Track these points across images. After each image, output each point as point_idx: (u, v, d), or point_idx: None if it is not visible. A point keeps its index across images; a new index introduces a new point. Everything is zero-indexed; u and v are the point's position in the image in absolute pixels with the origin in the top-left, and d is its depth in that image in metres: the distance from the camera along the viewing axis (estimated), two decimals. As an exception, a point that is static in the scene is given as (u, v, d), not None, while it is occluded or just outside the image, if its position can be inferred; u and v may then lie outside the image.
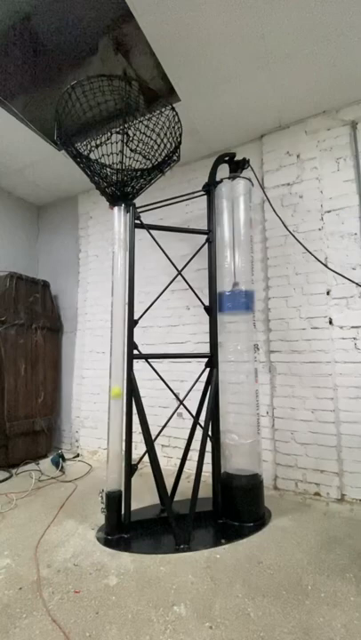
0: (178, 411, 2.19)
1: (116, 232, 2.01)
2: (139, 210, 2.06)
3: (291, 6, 1.75)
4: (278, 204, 2.58)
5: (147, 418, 1.88)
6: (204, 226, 2.22)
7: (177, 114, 1.94)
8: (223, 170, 2.24)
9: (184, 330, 2.93)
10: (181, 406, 2.06)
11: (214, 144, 2.85)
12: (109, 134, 1.87)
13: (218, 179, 2.22)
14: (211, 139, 2.79)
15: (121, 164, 1.88)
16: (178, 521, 1.78)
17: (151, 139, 1.95)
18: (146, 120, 1.95)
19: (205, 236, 2.18)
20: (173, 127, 1.96)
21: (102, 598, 1.35)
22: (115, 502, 1.83)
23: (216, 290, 2.12)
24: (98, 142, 1.88)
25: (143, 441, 1.86)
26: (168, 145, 1.98)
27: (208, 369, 2.07)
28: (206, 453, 1.91)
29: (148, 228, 2.08)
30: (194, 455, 1.97)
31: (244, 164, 2.21)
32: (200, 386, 2.09)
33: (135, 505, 1.93)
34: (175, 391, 2.18)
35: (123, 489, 1.85)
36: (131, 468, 1.86)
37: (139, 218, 2.04)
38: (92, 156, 1.90)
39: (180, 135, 1.99)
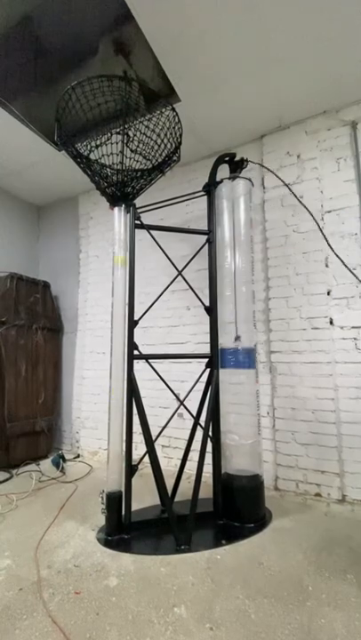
0: (178, 411, 2.19)
1: (117, 232, 2.01)
2: (139, 210, 2.06)
3: (291, 7, 1.75)
4: (279, 205, 2.58)
5: (147, 418, 1.87)
6: (204, 226, 2.22)
7: (177, 114, 1.94)
8: (224, 170, 2.24)
9: (184, 330, 2.92)
10: (182, 407, 2.05)
11: (214, 144, 2.85)
12: (110, 135, 1.87)
13: (218, 179, 2.22)
14: (211, 139, 2.79)
15: (121, 164, 1.88)
16: (178, 522, 1.78)
17: (151, 139, 1.95)
18: (146, 120, 1.95)
19: (206, 237, 2.18)
20: (174, 127, 1.96)
21: (103, 599, 1.35)
22: (115, 503, 1.83)
23: (216, 290, 2.12)
24: (98, 143, 1.88)
25: (143, 441, 1.86)
26: (168, 145, 1.98)
27: (208, 369, 2.07)
28: (207, 454, 1.91)
29: (149, 228, 2.08)
30: (194, 456, 1.97)
31: (242, 163, 2.21)
32: (200, 386, 2.09)
33: (136, 506, 1.93)
34: (176, 391, 2.18)
35: (123, 489, 1.85)
36: (131, 469, 1.85)
37: (139, 218, 2.04)
38: (93, 157, 1.91)
39: (181, 135, 1.99)
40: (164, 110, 1.97)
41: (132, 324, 1.95)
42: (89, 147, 1.90)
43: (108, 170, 1.92)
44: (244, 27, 1.85)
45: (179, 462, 2.12)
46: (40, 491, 2.43)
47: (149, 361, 2.08)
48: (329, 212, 2.40)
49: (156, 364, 2.45)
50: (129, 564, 1.58)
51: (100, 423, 3.26)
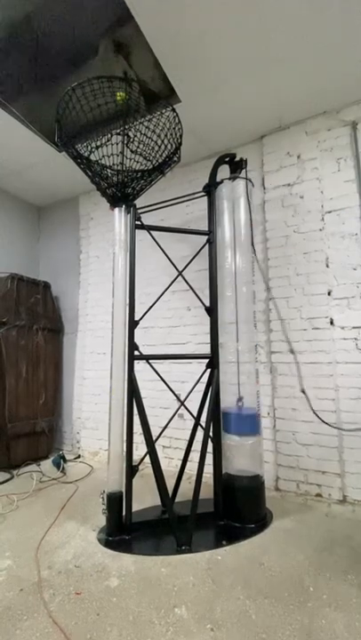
0: (179, 412, 2.19)
1: (117, 233, 2.02)
2: (139, 211, 2.06)
3: (291, 7, 1.75)
4: (279, 205, 2.58)
5: (148, 419, 1.87)
6: (204, 226, 2.22)
7: (177, 115, 1.95)
8: (224, 171, 2.24)
9: (185, 330, 2.92)
10: (182, 407, 2.05)
11: (215, 145, 2.85)
12: (110, 135, 1.87)
13: (218, 179, 2.23)
14: (211, 139, 2.79)
15: (121, 165, 1.88)
16: (179, 522, 1.78)
17: (152, 140, 1.95)
18: (146, 121, 1.96)
19: (206, 237, 2.18)
20: (174, 128, 1.96)
21: (103, 600, 1.35)
22: (116, 503, 1.83)
23: (217, 291, 2.12)
24: (98, 143, 1.88)
25: (144, 442, 1.86)
26: (168, 146, 1.98)
27: (209, 370, 2.07)
28: (207, 454, 1.91)
29: (149, 228, 2.08)
30: (195, 456, 1.97)
31: (242, 164, 2.21)
32: (201, 387, 2.09)
33: (136, 506, 1.93)
34: (176, 392, 2.18)
35: (124, 490, 1.85)
36: (132, 469, 1.85)
37: (139, 219, 2.05)
38: (93, 158, 1.91)
39: (181, 136, 1.99)
40: (164, 111, 1.98)
41: (133, 324, 1.95)
42: (89, 147, 1.90)
43: (108, 171, 1.92)
44: (244, 27, 1.86)
45: (179, 463, 2.12)
46: (41, 491, 2.43)
47: (150, 361, 2.08)
48: (329, 212, 2.40)
49: (157, 364, 2.45)
50: (130, 564, 1.58)
51: (101, 423, 3.26)
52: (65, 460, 2.93)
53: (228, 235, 2.16)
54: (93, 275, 3.56)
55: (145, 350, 2.06)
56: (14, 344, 3.06)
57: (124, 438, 1.89)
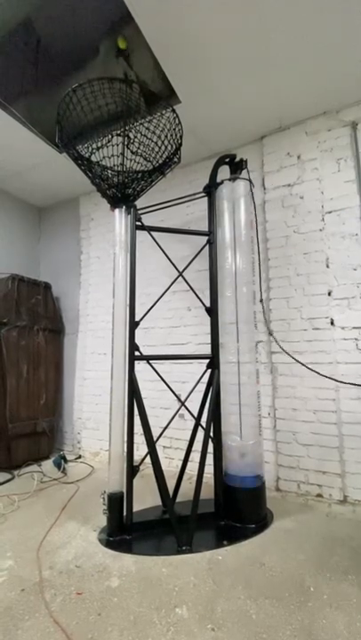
0: (179, 412, 2.19)
1: (118, 234, 2.02)
2: (140, 211, 2.06)
3: (291, 7, 1.75)
4: (279, 205, 2.58)
5: (148, 419, 1.88)
6: (204, 227, 2.22)
7: (177, 116, 1.95)
8: (224, 171, 2.25)
9: (185, 331, 2.93)
10: (183, 407, 2.06)
11: (215, 145, 2.85)
12: (110, 137, 1.88)
13: (219, 180, 2.23)
14: (211, 140, 2.79)
15: (122, 166, 1.88)
16: (180, 522, 1.78)
17: (152, 141, 1.95)
18: (147, 122, 1.96)
19: (206, 238, 2.18)
20: (174, 129, 1.96)
21: (104, 600, 1.35)
22: (117, 504, 1.83)
23: (217, 291, 2.12)
24: (99, 145, 1.89)
25: (145, 442, 1.86)
26: (169, 147, 1.98)
27: (209, 370, 2.08)
28: (208, 455, 1.91)
29: (149, 229, 2.09)
30: (195, 456, 1.97)
31: (242, 164, 2.21)
32: (202, 387, 2.09)
33: (137, 506, 1.93)
34: (177, 392, 2.18)
35: (125, 490, 1.85)
36: (132, 470, 1.86)
37: (140, 219, 2.05)
38: (94, 159, 1.91)
39: (181, 137, 1.99)
40: (164, 112, 1.98)
41: (133, 324, 1.95)
42: (90, 149, 1.91)
43: (108, 172, 1.92)
44: (244, 27, 1.86)
45: (180, 463, 2.13)
46: (42, 491, 2.43)
47: (150, 362, 2.08)
48: (330, 212, 2.40)
49: (158, 364, 2.45)
50: (130, 564, 1.59)
51: (102, 424, 3.26)
52: (66, 461, 2.93)
53: (228, 235, 2.16)
54: (94, 275, 3.56)
55: (145, 351, 2.06)
56: (15, 344, 3.06)
57: (125, 438, 1.89)
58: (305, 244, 2.46)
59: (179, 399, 2.15)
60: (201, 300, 2.15)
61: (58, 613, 1.28)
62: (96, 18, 1.86)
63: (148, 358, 2.03)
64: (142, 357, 1.97)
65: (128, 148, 1.88)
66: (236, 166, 2.24)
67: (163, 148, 1.97)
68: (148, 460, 1.88)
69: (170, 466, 2.79)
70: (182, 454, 2.12)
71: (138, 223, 2.04)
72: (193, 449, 2.07)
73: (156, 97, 2.14)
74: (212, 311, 2.11)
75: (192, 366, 2.81)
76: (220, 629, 1.20)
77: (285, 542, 1.74)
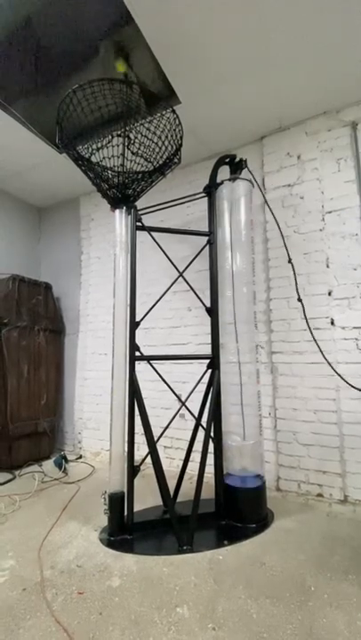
0: (180, 412, 2.19)
1: (118, 234, 2.02)
2: (140, 212, 2.07)
3: (291, 7, 1.75)
4: (279, 205, 2.58)
5: (149, 419, 1.88)
6: (205, 227, 2.22)
7: (177, 116, 1.95)
8: (224, 171, 2.25)
9: (186, 331, 2.93)
10: (184, 407, 2.06)
11: (215, 146, 2.85)
12: (110, 137, 1.88)
13: (219, 180, 2.23)
14: (211, 140, 2.79)
15: (122, 166, 1.88)
16: (180, 522, 1.79)
17: (152, 141, 1.95)
18: (147, 123, 1.96)
19: (207, 238, 2.18)
20: (174, 129, 1.97)
21: (106, 599, 1.36)
22: (117, 503, 1.84)
23: (217, 291, 2.12)
24: (99, 145, 1.89)
25: (145, 442, 1.87)
26: (169, 147, 1.98)
27: (210, 370, 2.08)
28: (208, 454, 1.91)
29: (150, 229, 2.09)
30: (196, 456, 1.97)
31: (242, 164, 2.22)
32: (202, 387, 2.09)
33: (138, 506, 1.93)
34: (177, 392, 2.18)
35: (125, 490, 1.86)
36: (133, 470, 1.86)
37: (140, 220, 2.05)
38: (94, 159, 1.91)
39: (181, 137, 1.99)
40: (164, 112, 1.98)
41: (134, 325, 1.96)
42: (90, 149, 1.91)
43: (109, 172, 1.93)
44: (244, 27, 1.86)
45: (181, 463, 2.13)
46: (43, 491, 2.44)
47: (151, 362, 2.08)
48: (330, 212, 2.41)
49: (158, 364, 2.46)
50: (131, 564, 1.59)
51: (103, 424, 3.27)
52: (67, 461, 2.94)
53: (228, 235, 2.16)
54: (94, 275, 3.56)
55: (146, 351, 2.07)
56: (16, 345, 3.07)
57: (126, 439, 1.89)
58: (305, 244, 2.46)
59: (179, 399, 2.15)
60: (201, 301, 2.16)
61: (59, 613, 1.28)
62: (96, 18, 1.86)
63: (148, 358, 2.04)
64: (143, 357, 1.97)
65: (128, 149, 1.89)
66: (236, 166, 2.24)
67: (163, 148, 1.97)
68: (148, 459, 1.89)
69: (171, 466, 2.79)
70: (183, 454, 2.13)
71: (138, 224, 2.04)
72: (193, 449, 2.08)
73: (157, 97, 2.14)
74: (213, 311, 2.11)
75: (193, 366, 2.82)
76: (220, 629, 1.21)
77: (286, 542, 1.74)
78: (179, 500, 2.06)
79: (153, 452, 1.86)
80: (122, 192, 1.99)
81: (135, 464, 1.87)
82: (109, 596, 1.38)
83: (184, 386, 2.73)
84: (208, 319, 2.14)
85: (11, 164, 3.14)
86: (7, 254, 3.63)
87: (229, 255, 2.14)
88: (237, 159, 2.24)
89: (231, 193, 2.20)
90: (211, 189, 2.22)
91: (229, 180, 2.22)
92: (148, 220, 2.09)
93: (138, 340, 1.97)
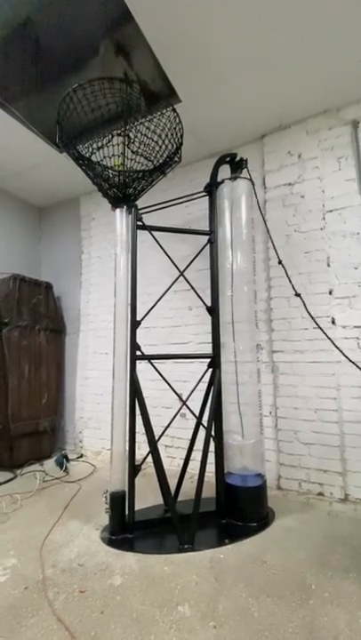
0: (181, 411, 2.19)
1: (119, 233, 2.02)
2: (140, 211, 2.07)
3: (291, 7, 1.75)
4: (280, 204, 2.58)
5: (150, 418, 1.88)
6: (205, 226, 2.22)
7: (178, 115, 1.95)
8: (225, 170, 2.25)
9: (187, 330, 2.93)
10: (184, 407, 2.06)
11: (215, 144, 2.85)
12: (111, 136, 1.88)
13: (219, 179, 2.23)
14: (212, 139, 2.79)
15: (122, 165, 1.88)
16: (181, 521, 1.79)
17: (152, 140, 1.95)
18: (147, 122, 1.96)
19: (207, 237, 2.18)
20: (174, 128, 1.97)
21: (107, 598, 1.36)
22: (119, 502, 1.84)
23: (218, 290, 2.12)
24: (99, 144, 1.89)
25: (146, 441, 1.87)
26: (169, 146, 1.98)
27: (211, 369, 2.08)
28: (209, 453, 1.92)
29: (150, 229, 2.09)
30: (197, 455, 1.98)
31: (242, 163, 2.21)
32: (203, 386, 2.09)
33: (139, 505, 1.93)
34: (178, 392, 2.19)
35: (126, 489, 1.86)
36: (134, 469, 1.86)
37: (141, 219, 2.05)
38: (94, 158, 1.91)
39: (182, 136, 1.99)
40: (164, 111, 1.98)
41: (135, 324, 1.96)
42: (90, 149, 1.91)
43: (109, 171, 1.93)
44: (244, 27, 1.86)
45: (181, 462, 2.13)
46: (44, 490, 2.44)
47: (152, 361, 2.08)
48: (330, 211, 2.40)
49: (159, 364, 2.45)
50: (133, 563, 1.60)
51: (104, 423, 3.27)
52: (68, 460, 2.94)
53: (229, 234, 2.16)
54: (95, 275, 3.57)
55: (147, 350, 2.07)
56: (17, 344, 3.07)
57: (127, 438, 1.90)
58: (306, 242, 2.46)
59: (180, 398, 2.15)
60: (202, 300, 2.16)
61: (61, 611, 1.29)
62: (96, 17, 1.86)
63: (149, 358, 2.04)
64: (144, 357, 1.97)
65: (129, 148, 1.89)
66: (237, 165, 2.24)
67: (163, 147, 1.97)
68: (149, 459, 1.89)
69: (171, 465, 2.80)
70: (184, 453, 2.13)
71: (139, 223, 2.04)
72: (194, 448, 2.08)
73: (157, 96, 2.14)
74: (214, 310, 2.11)
75: (193, 365, 2.82)
76: (221, 627, 1.21)
77: (287, 541, 1.74)
78: (180, 498, 2.06)
79: (154, 451, 1.86)
80: (122, 191, 1.99)
81: (136, 463, 1.87)
82: (111, 595, 1.38)
83: (185, 385, 2.73)
84: (209, 318, 2.14)
85: (11, 163, 3.14)
86: (8, 254, 3.63)
87: (230, 254, 2.14)
88: (238, 158, 2.24)
89: (232, 192, 2.19)
90: (211, 188, 2.22)
91: (230, 178, 2.22)
92: (148, 220, 2.09)
93: (139, 340, 1.97)
